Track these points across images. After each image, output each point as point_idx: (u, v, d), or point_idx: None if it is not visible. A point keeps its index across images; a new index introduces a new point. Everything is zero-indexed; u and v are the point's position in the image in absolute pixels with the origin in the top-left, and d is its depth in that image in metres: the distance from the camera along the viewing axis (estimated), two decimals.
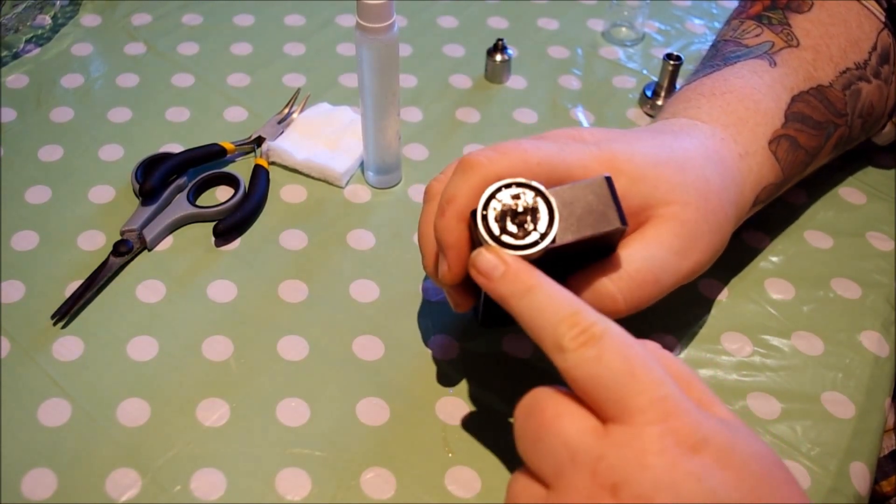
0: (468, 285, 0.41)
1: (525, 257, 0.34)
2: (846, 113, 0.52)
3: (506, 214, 0.34)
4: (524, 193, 0.34)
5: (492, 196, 0.35)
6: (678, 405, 0.30)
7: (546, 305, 0.32)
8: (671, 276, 0.41)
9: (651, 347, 0.33)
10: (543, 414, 0.31)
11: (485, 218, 0.34)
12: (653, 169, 0.41)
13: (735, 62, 0.51)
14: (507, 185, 0.35)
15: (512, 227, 0.34)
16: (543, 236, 0.34)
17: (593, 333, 0.31)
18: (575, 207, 0.35)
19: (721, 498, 0.28)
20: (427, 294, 0.52)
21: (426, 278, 0.53)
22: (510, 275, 0.34)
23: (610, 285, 0.39)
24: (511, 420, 0.46)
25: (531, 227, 0.34)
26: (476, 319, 0.47)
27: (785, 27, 0.52)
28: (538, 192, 0.34)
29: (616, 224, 0.36)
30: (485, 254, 0.34)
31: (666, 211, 0.41)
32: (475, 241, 0.37)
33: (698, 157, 0.44)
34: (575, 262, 0.39)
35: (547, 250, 0.34)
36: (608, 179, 0.36)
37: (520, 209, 0.34)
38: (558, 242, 0.35)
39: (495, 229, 0.34)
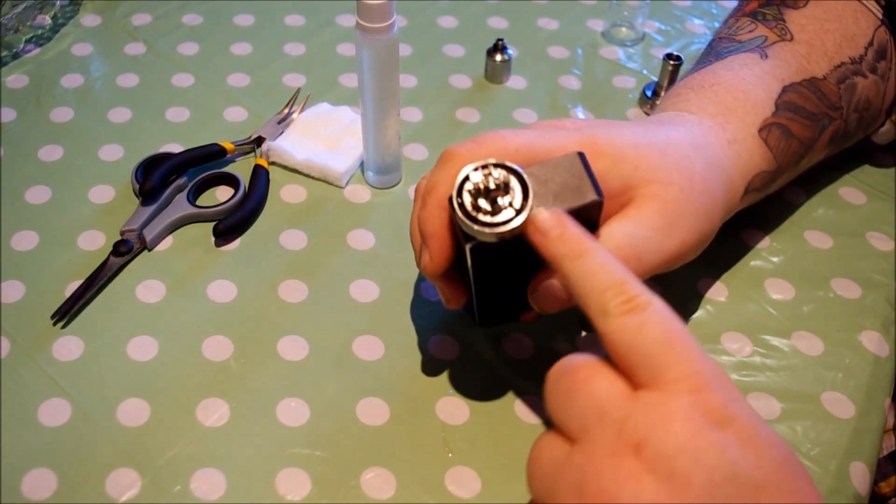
0: (457, 279, 0.41)
1: (502, 235, 0.34)
2: (841, 106, 0.52)
3: (479, 193, 0.35)
4: (495, 172, 0.35)
5: (466, 179, 0.35)
6: (710, 381, 0.30)
7: (596, 270, 0.33)
8: (654, 254, 0.41)
9: None
10: (576, 375, 0.32)
11: (461, 199, 0.35)
12: (633, 149, 0.41)
13: (726, 56, 0.52)
14: (482, 167, 0.35)
15: (485, 205, 0.34)
16: (518, 212, 0.34)
17: (638, 303, 0.31)
18: (550, 185, 0.36)
19: (740, 472, 0.29)
20: (427, 294, 0.52)
21: (424, 278, 0.53)
22: (566, 237, 0.34)
23: None
24: (510, 419, 0.46)
25: (506, 204, 0.34)
26: (473, 319, 0.47)
27: (779, 22, 0.52)
28: (510, 170, 0.35)
29: (592, 196, 0.36)
30: (544, 212, 0.35)
31: (647, 190, 0.41)
32: (456, 228, 0.37)
33: (682, 142, 0.44)
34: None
35: (519, 226, 0.34)
36: (580, 155, 0.37)
37: (491, 185, 0.34)
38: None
39: (470, 209, 0.35)
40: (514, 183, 0.35)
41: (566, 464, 0.31)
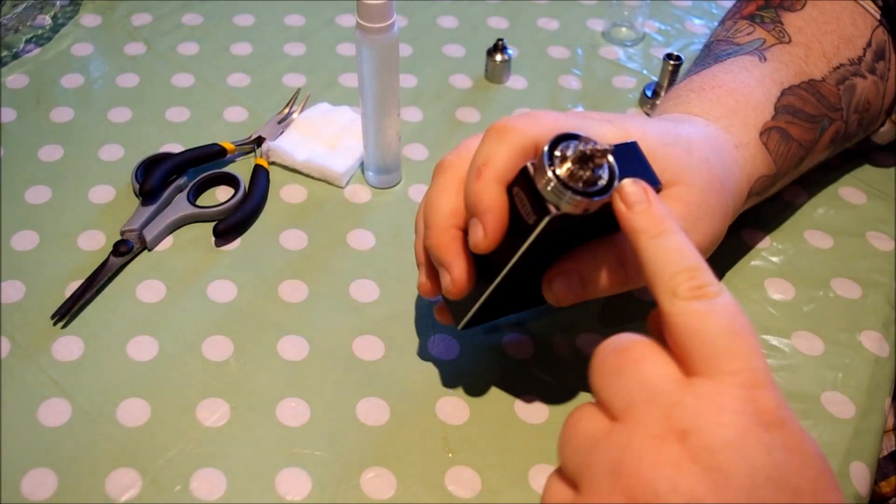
0: (471, 265, 0.40)
1: (594, 205, 0.34)
2: (841, 107, 0.52)
3: (575, 161, 0.33)
4: (583, 144, 0.33)
5: (555, 146, 0.34)
6: (767, 381, 0.30)
7: (673, 251, 0.33)
8: None
9: None
10: (629, 353, 0.32)
11: (553, 166, 0.34)
12: (662, 148, 0.41)
13: (725, 59, 0.52)
14: (568, 137, 0.34)
15: (581, 174, 0.33)
16: (609, 184, 0.34)
17: (709, 291, 0.31)
18: (620, 167, 0.35)
19: (783, 476, 0.28)
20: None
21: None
22: (651, 212, 0.34)
23: (619, 266, 0.39)
24: (510, 419, 0.46)
25: (599, 176, 0.34)
26: (452, 317, 0.46)
27: (777, 25, 0.52)
28: (595, 144, 0.34)
29: (657, 184, 0.36)
30: (632, 185, 0.34)
31: (672, 192, 0.41)
32: (520, 203, 0.36)
33: (702, 140, 0.44)
34: (586, 233, 0.39)
35: (605, 202, 0.34)
36: (636, 144, 0.37)
37: (591, 153, 0.33)
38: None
39: (565, 177, 0.33)
40: (604, 158, 0.34)
41: (605, 440, 0.31)
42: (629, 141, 0.37)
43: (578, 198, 0.33)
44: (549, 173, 0.33)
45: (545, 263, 0.40)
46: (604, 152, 0.33)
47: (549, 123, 0.38)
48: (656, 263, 0.33)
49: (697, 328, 0.31)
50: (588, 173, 0.33)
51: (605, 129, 0.40)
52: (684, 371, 0.31)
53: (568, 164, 0.33)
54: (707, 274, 0.32)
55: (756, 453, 0.28)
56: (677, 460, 0.29)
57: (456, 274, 0.39)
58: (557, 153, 0.34)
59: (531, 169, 0.35)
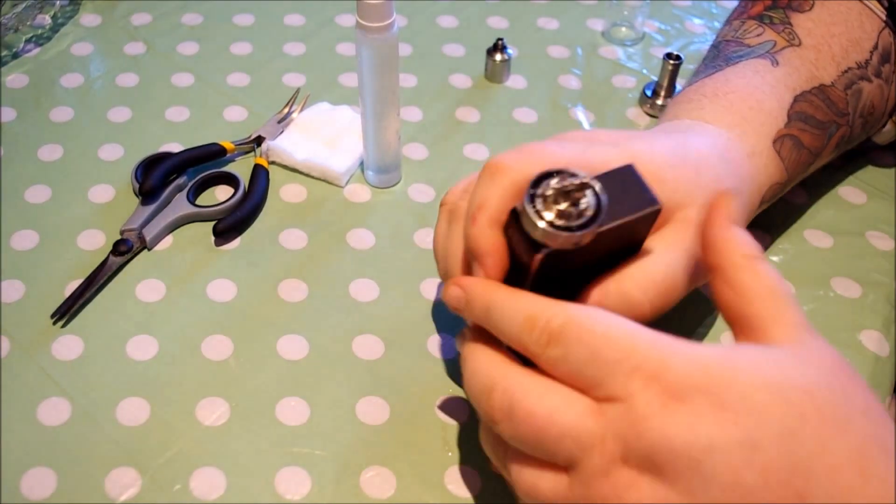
0: None
1: (576, 244, 0.34)
2: (848, 112, 0.52)
3: (553, 199, 0.34)
4: (565, 179, 0.34)
5: (536, 185, 0.34)
6: (655, 364, 0.30)
7: (505, 317, 0.33)
8: (689, 277, 0.41)
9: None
10: (535, 416, 0.32)
11: (534, 205, 0.34)
12: (671, 170, 0.41)
13: (737, 62, 0.51)
14: (550, 174, 0.34)
15: (563, 208, 0.33)
16: (595, 217, 0.34)
17: (552, 331, 0.31)
18: (612, 194, 0.35)
19: (716, 441, 0.28)
20: (427, 293, 0.52)
21: (424, 278, 0.53)
22: (471, 299, 0.34)
23: (639, 294, 0.38)
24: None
25: (582, 209, 0.34)
26: None
27: (786, 26, 0.52)
28: (575, 177, 0.34)
29: (655, 205, 0.36)
30: (449, 289, 0.35)
31: (682, 214, 0.41)
32: (515, 242, 0.36)
33: (712, 156, 0.44)
34: (598, 267, 0.39)
35: (596, 232, 0.34)
36: (632, 167, 0.36)
37: (570, 188, 0.33)
38: (606, 225, 0.34)
39: (546, 216, 0.34)
40: (586, 190, 0.34)
41: (573, 495, 0.31)
42: (624, 166, 0.37)
43: (564, 234, 0.33)
44: (532, 214, 0.34)
45: (578, 281, 0.39)
46: (582, 186, 0.33)
47: (542, 158, 0.37)
48: (504, 336, 0.34)
49: (569, 372, 0.31)
50: (572, 207, 0.34)
51: (610, 154, 0.39)
52: (591, 397, 0.31)
53: (550, 202, 0.34)
54: (542, 312, 0.32)
55: (680, 438, 0.28)
56: (632, 482, 0.30)
57: (492, 269, 0.38)
58: (541, 191, 0.34)
59: (519, 210, 0.35)
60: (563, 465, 0.32)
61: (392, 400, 0.47)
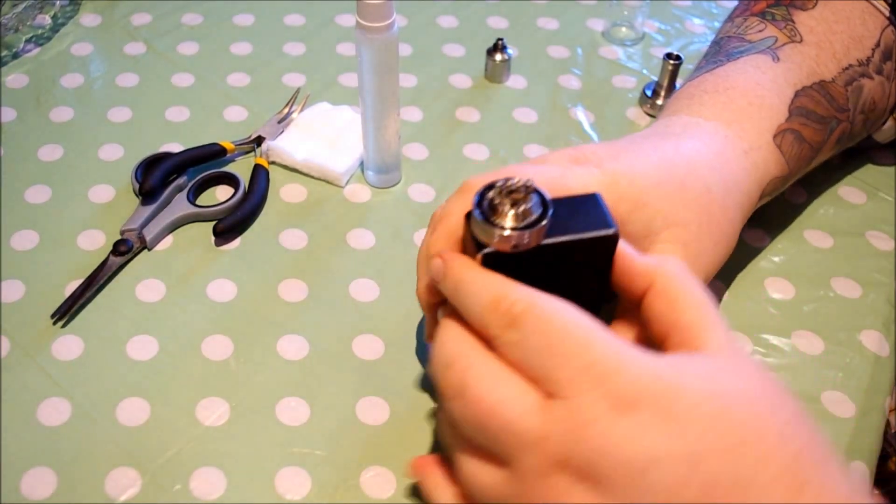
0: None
1: (514, 246, 0.34)
2: (848, 108, 0.52)
3: (498, 203, 0.34)
4: (515, 185, 0.34)
5: (486, 190, 0.35)
6: (609, 364, 0.29)
7: (472, 294, 0.33)
8: None
9: None
10: (481, 402, 0.31)
11: (480, 207, 0.35)
12: (654, 190, 0.41)
13: (738, 58, 0.51)
14: (503, 181, 0.35)
15: (505, 210, 0.34)
16: (537, 222, 0.34)
17: (514, 315, 0.31)
18: (568, 214, 0.36)
19: (661, 454, 0.28)
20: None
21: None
22: (448, 270, 0.34)
23: (627, 330, 0.38)
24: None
25: (526, 213, 0.34)
26: None
27: (788, 23, 0.52)
28: (529, 188, 0.34)
29: (609, 229, 0.36)
30: (434, 260, 0.35)
31: (668, 234, 0.41)
32: (467, 246, 0.36)
33: (701, 165, 0.44)
34: (561, 291, 0.39)
35: (539, 239, 0.34)
36: (597, 196, 0.37)
37: (512, 193, 0.34)
38: (552, 240, 0.35)
39: (489, 215, 0.34)
40: (535, 198, 0.34)
41: (507, 493, 0.31)
42: (589, 193, 0.37)
43: (498, 230, 0.34)
44: (475, 213, 0.34)
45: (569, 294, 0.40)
46: (526, 188, 0.34)
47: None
48: (468, 314, 0.33)
49: (521, 359, 0.31)
50: (512, 210, 0.34)
51: (590, 178, 0.40)
52: (541, 392, 0.30)
53: (501, 208, 0.34)
54: (508, 294, 0.32)
55: (624, 448, 0.28)
56: (567, 488, 0.29)
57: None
58: (490, 194, 0.35)
59: (468, 216, 0.36)
60: (502, 459, 0.31)
61: (392, 400, 0.47)
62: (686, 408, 0.28)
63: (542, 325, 0.30)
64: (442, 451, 0.36)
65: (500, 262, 0.35)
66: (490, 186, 0.35)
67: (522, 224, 0.34)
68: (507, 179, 0.34)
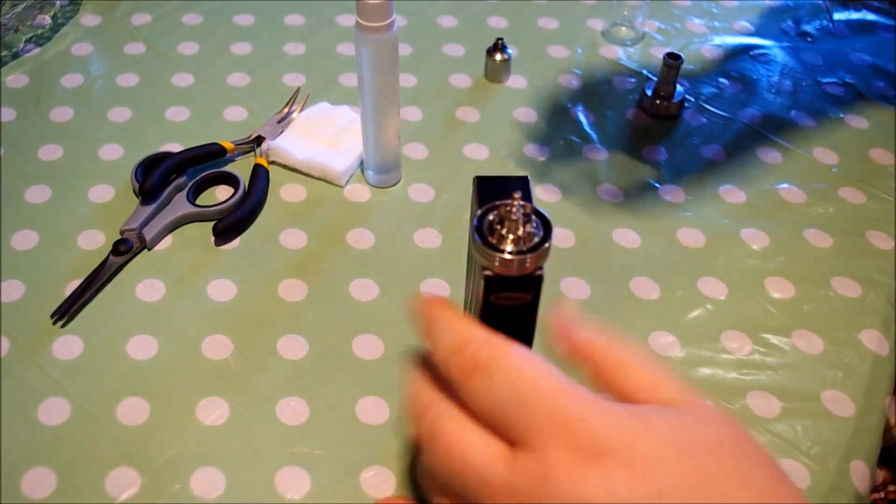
0: None
1: (518, 267, 0.34)
2: None
3: (499, 226, 0.34)
4: (519, 210, 0.34)
5: (488, 211, 0.35)
6: (574, 413, 0.29)
7: (440, 334, 0.32)
8: None
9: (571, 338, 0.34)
10: (451, 449, 0.31)
11: (481, 228, 0.34)
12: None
13: None
14: (504, 204, 0.35)
15: (506, 234, 0.34)
16: (540, 243, 0.34)
17: (478, 360, 0.31)
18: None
19: (626, 498, 0.27)
20: (427, 293, 0.52)
21: (424, 278, 0.53)
22: (421, 309, 0.34)
23: None
24: None
25: (526, 238, 0.34)
26: None
27: None
28: (535, 212, 0.34)
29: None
30: (413, 300, 0.35)
31: None
32: (475, 281, 0.36)
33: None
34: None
35: (541, 265, 0.34)
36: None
37: (513, 218, 0.34)
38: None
39: (489, 238, 0.34)
40: (536, 221, 0.34)
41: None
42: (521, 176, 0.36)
43: (502, 256, 0.34)
44: (475, 237, 0.34)
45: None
46: (524, 208, 0.34)
47: None
48: (437, 358, 0.32)
49: (488, 408, 0.30)
50: (511, 233, 0.34)
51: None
52: (508, 442, 0.30)
53: (494, 227, 0.34)
54: (475, 340, 0.31)
55: (595, 498, 0.28)
56: None
57: None
58: (491, 217, 0.34)
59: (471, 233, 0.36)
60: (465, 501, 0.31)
61: (391, 399, 0.47)
62: (649, 452, 0.28)
63: (512, 374, 0.30)
64: (419, 494, 0.36)
65: (503, 285, 0.35)
66: (491, 208, 0.35)
67: (524, 247, 0.34)
68: (507, 203, 0.34)
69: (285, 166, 0.60)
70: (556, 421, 0.29)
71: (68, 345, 0.49)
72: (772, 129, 0.65)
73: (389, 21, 0.50)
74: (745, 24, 0.76)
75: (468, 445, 0.31)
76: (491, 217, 0.35)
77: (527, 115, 0.65)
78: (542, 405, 0.29)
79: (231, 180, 0.58)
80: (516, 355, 0.31)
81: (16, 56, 0.68)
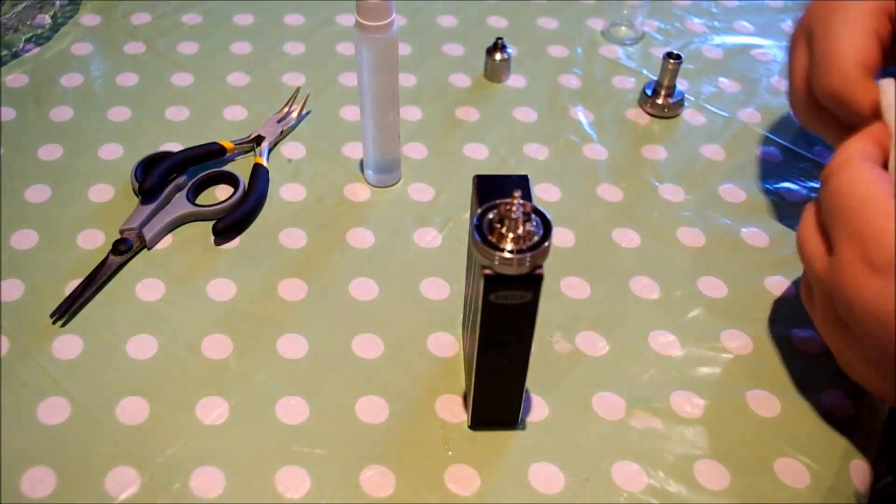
0: None
1: (520, 266, 0.34)
2: None
3: (499, 225, 0.35)
4: (519, 208, 0.34)
5: (487, 210, 0.35)
6: (870, 232, 0.35)
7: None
8: None
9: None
10: (807, 243, 0.40)
11: (481, 226, 0.35)
12: None
13: None
14: (507, 202, 0.35)
15: (506, 233, 0.34)
16: (540, 242, 0.34)
17: (828, 173, 0.38)
18: None
19: None
20: (427, 293, 0.52)
21: (424, 277, 0.53)
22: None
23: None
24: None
25: (524, 239, 0.35)
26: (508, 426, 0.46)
27: None
28: (535, 212, 0.35)
29: None
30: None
31: None
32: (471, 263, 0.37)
33: None
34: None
35: (541, 265, 0.34)
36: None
37: (513, 211, 0.34)
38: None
39: (489, 236, 0.35)
40: (536, 220, 0.35)
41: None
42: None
43: (502, 255, 0.34)
44: (475, 236, 0.34)
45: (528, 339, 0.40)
46: (524, 207, 0.34)
47: None
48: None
49: (824, 209, 0.38)
50: (511, 232, 0.34)
51: None
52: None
53: (494, 226, 0.34)
54: (844, 150, 0.39)
55: (874, 303, 0.35)
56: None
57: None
58: (490, 216, 0.35)
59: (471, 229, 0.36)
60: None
61: (391, 399, 0.47)
62: None
63: (835, 188, 0.37)
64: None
65: (503, 284, 0.35)
66: (491, 207, 0.35)
67: (524, 246, 0.34)
68: (507, 202, 0.34)
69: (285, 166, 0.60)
70: (854, 237, 0.36)
71: (68, 344, 0.49)
72: (772, 128, 0.65)
73: (389, 21, 0.50)
74: (745, 24, 0.76)
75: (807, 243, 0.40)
76: (491, 216, 0.35)
77: (527, 114, 0.65)
78: (849, 221, 0.36)
79: (231, 180, 0.58)
80: (847, 174, 0.38)
81: (16, 56, 0.68)
